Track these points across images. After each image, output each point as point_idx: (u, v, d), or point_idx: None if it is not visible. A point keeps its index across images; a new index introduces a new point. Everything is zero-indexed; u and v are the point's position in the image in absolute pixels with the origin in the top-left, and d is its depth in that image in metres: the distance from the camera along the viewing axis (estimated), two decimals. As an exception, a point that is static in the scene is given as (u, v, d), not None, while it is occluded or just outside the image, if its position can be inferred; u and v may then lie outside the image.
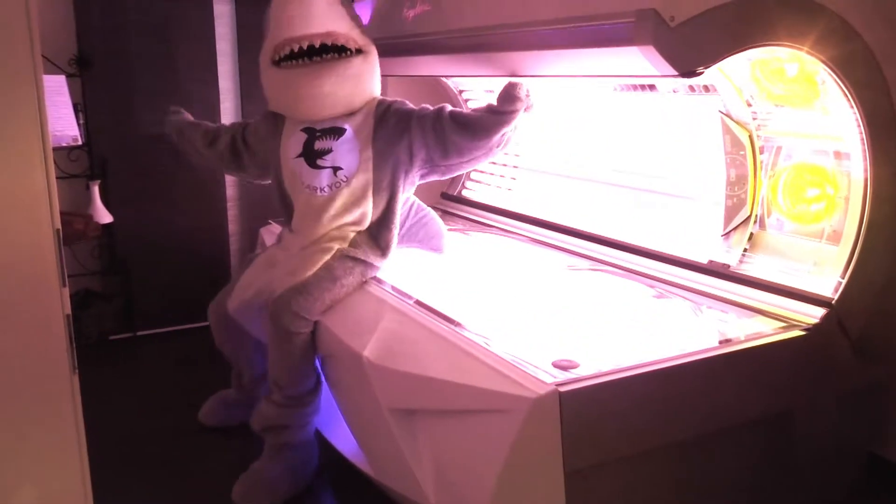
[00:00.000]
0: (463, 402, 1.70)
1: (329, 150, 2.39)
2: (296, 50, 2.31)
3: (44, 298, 1.19)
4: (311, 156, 2.40)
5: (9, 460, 1.24)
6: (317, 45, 2.31)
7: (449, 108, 2.38)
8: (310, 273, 2.27)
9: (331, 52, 2.34)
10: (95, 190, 3.24)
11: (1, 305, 1.18)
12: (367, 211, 2.41)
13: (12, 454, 1.24)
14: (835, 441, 2.06)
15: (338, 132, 2.41)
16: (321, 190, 2.38)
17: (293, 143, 2.43)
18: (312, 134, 2.41)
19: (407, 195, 2.51)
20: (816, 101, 1.95)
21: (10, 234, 1.16)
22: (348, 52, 2.36)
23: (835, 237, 1.98)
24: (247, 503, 2.21)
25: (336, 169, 2.38)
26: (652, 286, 2.31)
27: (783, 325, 1.93)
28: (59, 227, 1.19)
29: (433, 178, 2.50)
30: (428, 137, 2.37)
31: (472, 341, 1.80)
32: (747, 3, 1.65)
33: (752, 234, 2.18)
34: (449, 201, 3.54)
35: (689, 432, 1.77)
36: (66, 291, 1.22)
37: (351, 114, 2.42)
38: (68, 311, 1.23)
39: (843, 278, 1.92)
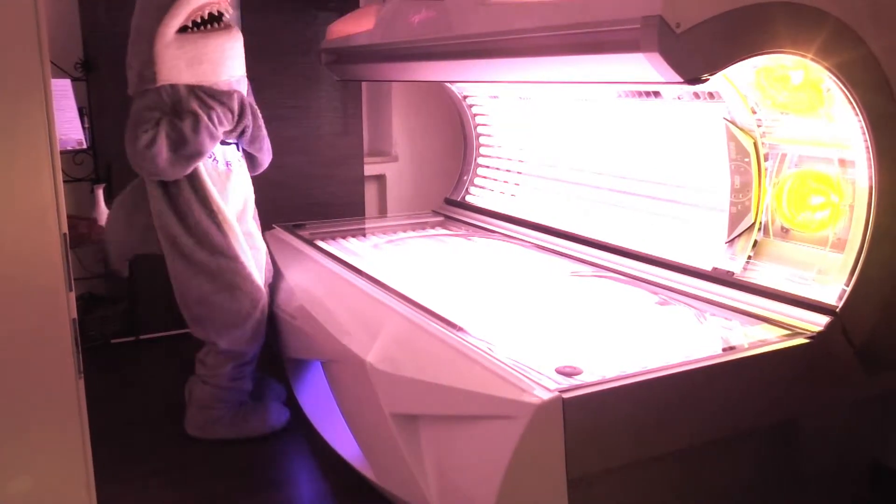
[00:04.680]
0: (466, 408, 1.70)
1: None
2: (214, 14, 2.46)
3: (50, 302, 1.20)
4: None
5: (14, 462, 1.24)
6: (222, 12, 2.49)
7: None
8: None
9: (220, 20, 2.50)
10: (100, 194, 3.24)
11: (8, 309, 1.18)
12: None
13: (18, 456, 1.24)
14: (839, 449, 2.06)
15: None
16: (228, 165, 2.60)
17: None
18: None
19: None
20: (821, 108, 1.95)
21: (17, 238, 1.17)
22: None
23: (839, 245, 1.98)
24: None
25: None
26: (655, 293, 2.31)
27: (787, 332, 1.93)
28: (66, 231, 1.19)
29: None
30: None
31: (475, 347, 1.80)
32: (752, 10, 1.65)
33: (756, 241, 2.17)
34: (453, 207, 3.55)
35: (691, 440, 1.76)
36: (73, 296, 1.23)
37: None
38: (74, 315, 1.23)
39: (847, 286, 1.91)
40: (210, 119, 2.45)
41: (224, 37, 2.50)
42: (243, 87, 2.65)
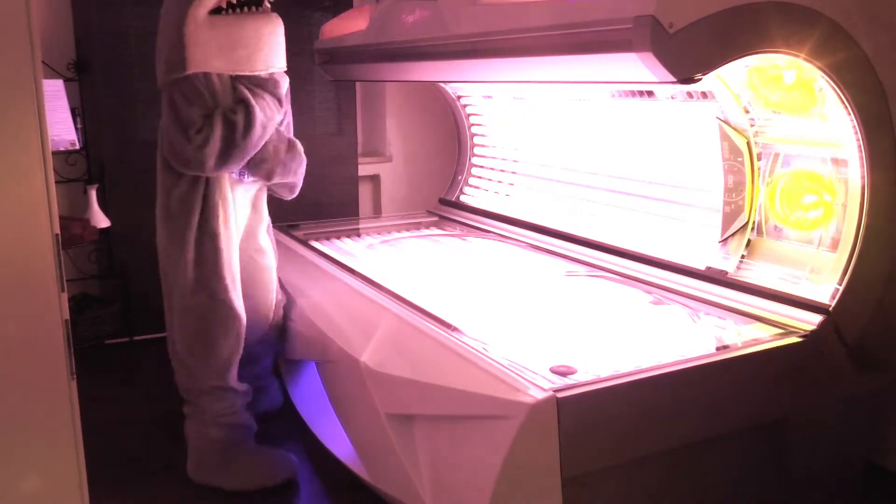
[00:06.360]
0: (460, 408, 1.70)
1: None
2: None
3: (43, 303, 1.19)
4: None
5: (6, 464, 1.23)
6: None
7: None
8: None
9: (259, 3, 2.26)
10: (93, 194, 3.24)
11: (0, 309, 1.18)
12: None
13: (10, 458, 1.23)
14: (832, 449, 2.06)
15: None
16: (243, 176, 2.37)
17: None
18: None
19: None
20: (814, 108, 1.96)
21: (9, 238, 1.16)
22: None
23: (832, 244, 1.99)
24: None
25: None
26: (650, 292, 2.31)
27: (780, 331, 1.93)
28: (59, 232, 1.19)
29: None
30: None
31: (469, 347, 1.80)
32: (745, 10, 1.66)
33: (749, 240, 2.18)
34: (447, 207, 3.55)
35: (686, 439, 1.77)
36: (65, 297, 1.22)
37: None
38: (67, 316, 1.23)
39: (840, 285, 1.92)
40: (262, 110, 2.20)
41: (261, 21, 2.24)
42: (285, 84, 2.36)
